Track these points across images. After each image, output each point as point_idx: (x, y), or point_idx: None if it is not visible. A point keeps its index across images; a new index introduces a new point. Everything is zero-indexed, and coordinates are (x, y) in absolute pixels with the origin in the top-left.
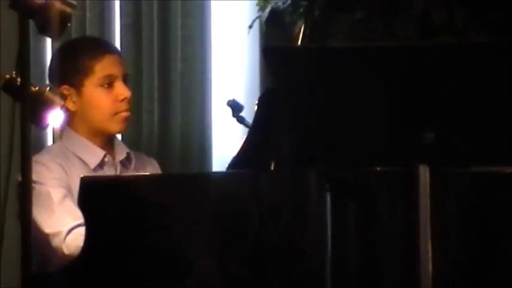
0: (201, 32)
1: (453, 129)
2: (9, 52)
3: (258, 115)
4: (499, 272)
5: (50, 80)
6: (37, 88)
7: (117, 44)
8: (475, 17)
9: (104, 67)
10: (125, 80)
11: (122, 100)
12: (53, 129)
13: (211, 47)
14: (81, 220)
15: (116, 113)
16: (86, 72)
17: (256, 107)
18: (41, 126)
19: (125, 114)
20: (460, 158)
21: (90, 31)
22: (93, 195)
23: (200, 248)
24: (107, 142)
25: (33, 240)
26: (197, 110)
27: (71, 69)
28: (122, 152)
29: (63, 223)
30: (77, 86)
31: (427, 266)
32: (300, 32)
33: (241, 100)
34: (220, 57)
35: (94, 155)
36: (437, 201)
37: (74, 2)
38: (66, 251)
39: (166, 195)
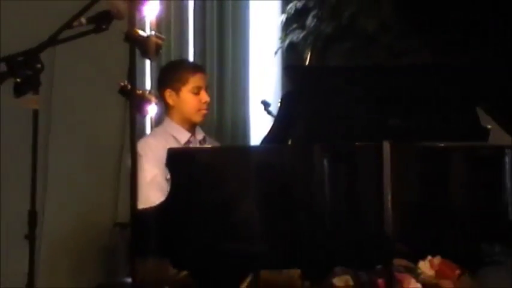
0: (243, 54)
1: (412, 117)
2: (122, 68)
3: (280, 109)
4: (437, 217)
5: (158, 84)
6: (140, 91)
7: (191, 55)
8: (427, 44)
9: (195, 80)
10: (206, 90)
11: (204, 102)
12: (151, 118)
13: (249, 63)
14: (162, 198)
15: (199, 110)
16: (184, 82)
17: (279, 104)
18: (142, 115)
19: (204, 111)
20: (415, 137)
21: (173, 55)
22: (176, 160)
23: (248, 201)
24: (191, 128)
25: None
26: (240, 104)
27: (174, 79)
28: (200, 135)
29: (147, 202)
30: (176, 90)
31: (389, 210)
32: (308, 55)
33: (269, 99)
34: (256, 70)
35: (184, 135)
36: (396, 166)
37: (163, 37)
38: None
39: (227, 160)
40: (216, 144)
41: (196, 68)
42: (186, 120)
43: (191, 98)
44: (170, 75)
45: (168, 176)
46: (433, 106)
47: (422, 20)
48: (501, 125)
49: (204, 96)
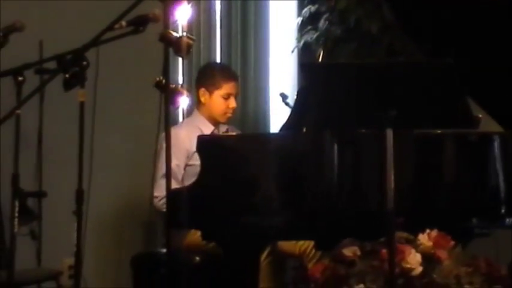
0: (264, 52)
1: (406, 109)
2: (157, 65)
3: (296, 101)
4: (434, 196)
5: (196, 80)
6: (174, 85)
7: (218, 53)
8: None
9: (228, 87)
10: (236, 96)
11: (231, 108)
12: (183, 109)
13: (269, 60)
14: (177, 186)
15: (225, 113)
16: (217, 87)
17: (295, 96)
18: (175, 106)
19: (229, 115)
20: (409, 126)
21: (203, 54)
22: (204, 145)
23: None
24: (215, 124)
25: None
26: (262, 97)
27: (210, 81)
28: (223, 128)
29: (160, 189)
30: (210, 91)
31: (391, 189)
32: (320, 54)
33: (286, 92)
34: (275, 66)
35: (208, 127)
36: (396, 149)
37: (194, 37)
38: (162, 209)
39: (250, 145)
40: (239, 132)
41: (232, 76)
42: (211, 118)
43: (221, 102)
44: (208, 77)
45: (194, 162)
46: (428, 98)
47: (416, 24)
48: (490, 114)
49: (232, 103)
